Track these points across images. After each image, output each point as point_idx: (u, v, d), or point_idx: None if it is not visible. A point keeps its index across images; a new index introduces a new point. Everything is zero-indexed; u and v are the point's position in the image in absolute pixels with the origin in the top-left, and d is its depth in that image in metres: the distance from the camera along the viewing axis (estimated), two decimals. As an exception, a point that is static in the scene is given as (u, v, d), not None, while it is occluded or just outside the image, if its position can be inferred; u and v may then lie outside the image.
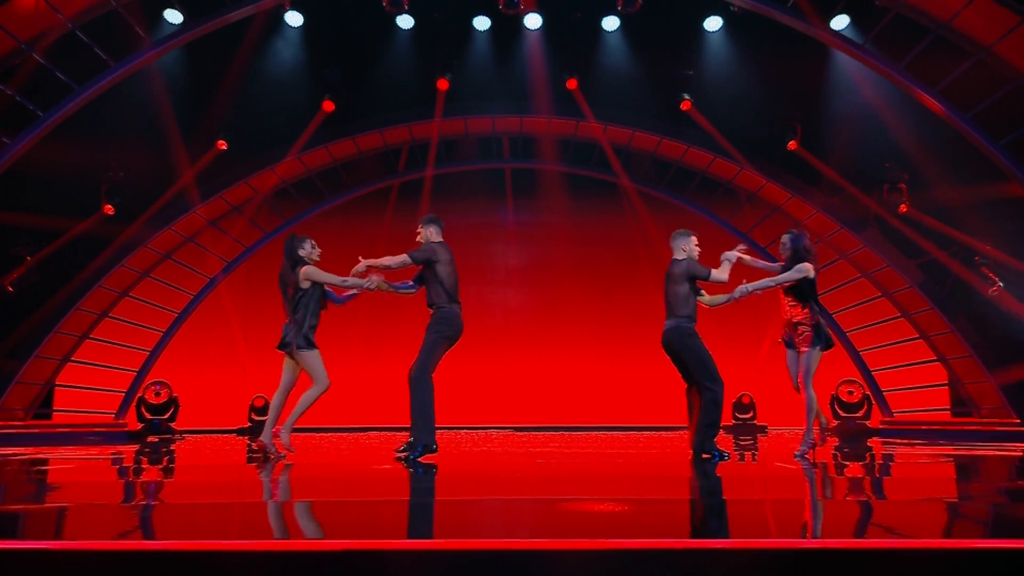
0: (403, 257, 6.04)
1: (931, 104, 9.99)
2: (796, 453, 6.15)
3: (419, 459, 5.74)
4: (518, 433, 11.97)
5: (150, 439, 11.29)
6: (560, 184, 14.48)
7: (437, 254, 6.06)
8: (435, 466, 5.50)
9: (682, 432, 11.98)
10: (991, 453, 7.22)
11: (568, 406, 13.42)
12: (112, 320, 12.34)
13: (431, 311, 6.09)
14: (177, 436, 11.73)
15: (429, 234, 6.24)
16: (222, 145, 12.35)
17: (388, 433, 12.35)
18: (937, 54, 9.94)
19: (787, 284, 6.05)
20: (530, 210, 14.41)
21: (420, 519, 3.20)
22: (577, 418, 13.32)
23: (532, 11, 11.64)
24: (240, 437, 11.77)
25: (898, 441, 9.89)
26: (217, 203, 12.79)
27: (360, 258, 6.15)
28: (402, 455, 5.82)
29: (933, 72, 9.99)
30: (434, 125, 13.01)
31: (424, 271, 6.13)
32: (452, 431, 12.10)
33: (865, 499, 3.97)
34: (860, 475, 5.33)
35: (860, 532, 2.91)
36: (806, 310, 6.05)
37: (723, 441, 6.15)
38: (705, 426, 5.87)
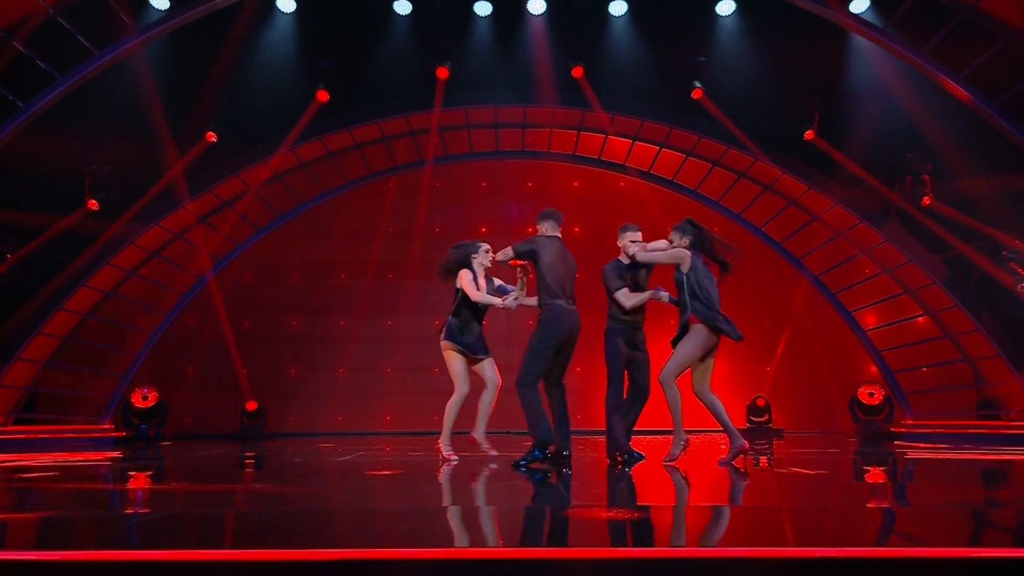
0: (507, 250, 6.13)
1: (956, 91, 9.94)
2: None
3: (531, 464, 5.76)
4: (522, 437, 11.95)
5: (137, 445, 11.31)
6: (565, 176, 14.47)
7: (539, 246, 6.02)
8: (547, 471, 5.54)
9: (690, 436, 12.00)
10: (1019, 457, 7.21)
11: (574, 406, 13.37)
12: (98, 320, 12.35)
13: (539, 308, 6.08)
14: (165, 441, 11.75)
15: (543, 229, 6.24)
16: (211, 137, 12.35)
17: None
18: (963, 38, 9.89)
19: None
20: (534, 202, 14.41)
21: (423, 527, 3.20)
22: (586, 420, 13.29)
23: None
24: (233, 442, 11.79)
25: (921, 445, 9.86)
26: (207, 198, 12.80)
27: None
28: (521, 463, 5.81)
29: (958, 57, 9.94)
30: (433, 115, 13.00)
31: (535, 268, 6.10)
32: (465, 435, 12.07)
33: (886, 506, 3.97)
34: (881, 481, 5.32)
35: (880, 540, 2.91)
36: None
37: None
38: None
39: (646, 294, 6.04)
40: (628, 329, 6.10)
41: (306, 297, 14.60)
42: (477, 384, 6.47)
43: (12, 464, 7.23)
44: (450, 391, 6.44)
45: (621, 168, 13.70)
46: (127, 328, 12.72)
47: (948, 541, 2.86)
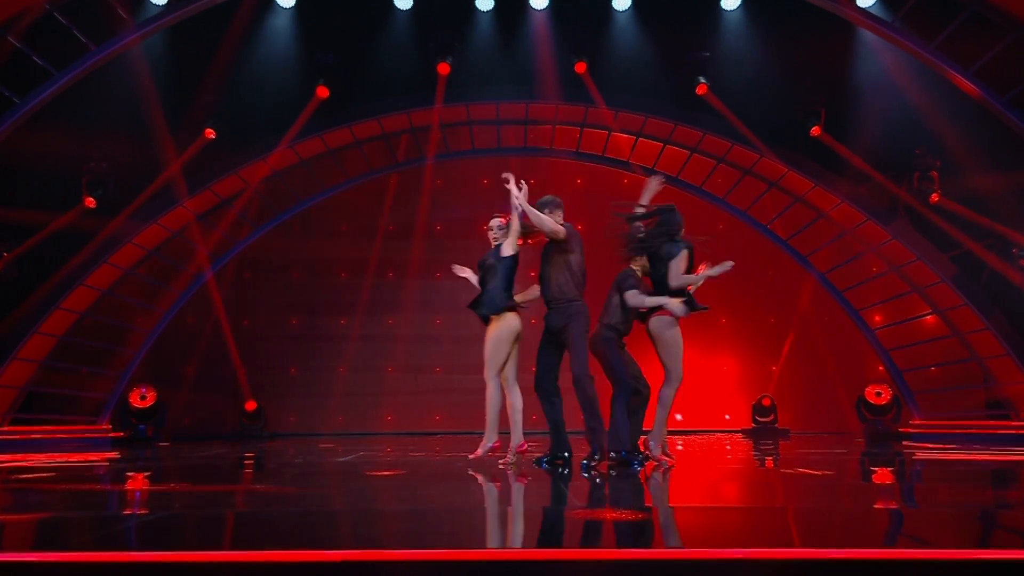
0: (557, 227, 5.96)
1: (965, 86, 9.91)
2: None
3: (601, 465, 5.70)
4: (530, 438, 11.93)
5: (135, 445, 11.33)
6: (568, 172, 14.46)
7: (575, 240, 5.99)
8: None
9: (695, 436, 12.03)
10: (1029, 458, 7.20)
11: (576, 408, 13.37)
12: (95, 320, 12.35)
13: (557, 303, 5.97)
14: (164, 442, 11.76)
15: (556, 219, 6.11)
16: (210, 134, 12.34)
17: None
18: (971, 33, 9.87)
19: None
20: (536, 200, 14.40)
21: (422, 528, 3.20)
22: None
23: (538, -11, 11.64)
24: (232, 442, 11.81)
25: (930, 446, 9.86)
26: (206, 195, 12.79)
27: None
28: (589, 465, 5.72)
29: (967, 52, 9.92)
30: (434, 112, 12.99)
31: (554, 256, 6.01)
32: (468, 435, 12.11)
33: (894, 507, 3.96)
34: (888, 482, 5.32)
35: (887, 542, 2.91)
36: None
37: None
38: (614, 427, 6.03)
39: (659, 299, 5.96)
40: (619, 337, 6.11)
41: (306, 296, 14.61)
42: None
43: (9, 465, 7.24)
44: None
45: (625, 165, 13.67)
46: (125, 327, 12.71)
47: (957, 543, 2.86)
